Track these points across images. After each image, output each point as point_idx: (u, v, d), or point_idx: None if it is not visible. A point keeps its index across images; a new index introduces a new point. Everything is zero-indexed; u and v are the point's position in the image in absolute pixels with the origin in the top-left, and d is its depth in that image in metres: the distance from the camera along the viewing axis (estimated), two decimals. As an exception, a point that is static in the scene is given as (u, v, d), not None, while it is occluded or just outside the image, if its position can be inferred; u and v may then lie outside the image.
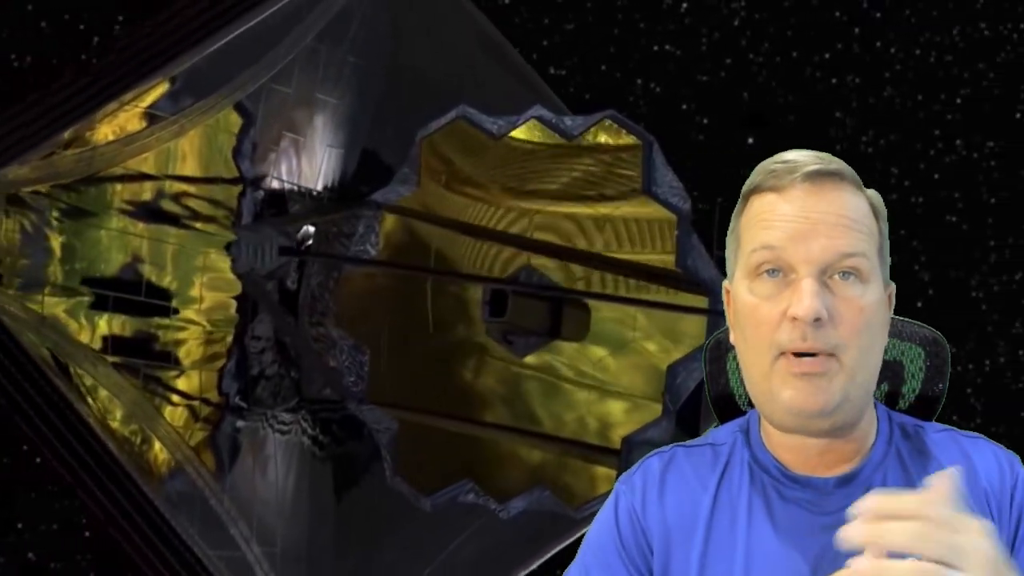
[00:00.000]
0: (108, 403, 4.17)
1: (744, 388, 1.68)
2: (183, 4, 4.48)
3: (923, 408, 1.70)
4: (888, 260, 1.50)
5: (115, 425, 4.18)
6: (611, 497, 1.63)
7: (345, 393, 4.86)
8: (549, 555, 5.47)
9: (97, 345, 4.15)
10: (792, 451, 1.51)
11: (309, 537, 5.04)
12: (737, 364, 1.67)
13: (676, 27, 6.28)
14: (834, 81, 6.49)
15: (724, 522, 1.53)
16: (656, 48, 6.15)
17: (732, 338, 1.54)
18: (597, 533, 1.62)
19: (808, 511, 1.49)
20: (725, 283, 1.54)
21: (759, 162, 1.48)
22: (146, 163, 4.36)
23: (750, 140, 6.11)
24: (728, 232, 1.53)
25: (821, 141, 5.30)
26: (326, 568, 5.08)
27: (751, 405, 1.67)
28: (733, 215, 1.53)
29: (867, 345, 1.44)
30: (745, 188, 1.49)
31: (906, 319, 1.68)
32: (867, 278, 1.43)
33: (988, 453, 1.53)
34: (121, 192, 4.26)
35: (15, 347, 3.81)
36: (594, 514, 1.67)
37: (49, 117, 3.92)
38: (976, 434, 1.58)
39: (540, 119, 4.85)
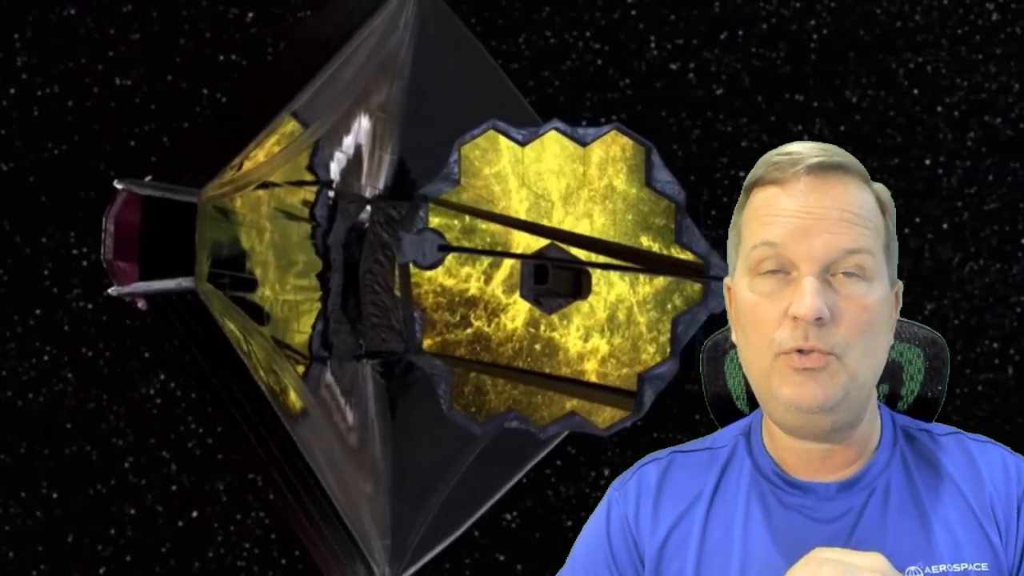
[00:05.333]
0: (260, 361, 5.38)
1: (741, 389, 1.70)
2: (302, 48, 5.66)
3: (922, 410, 1.67)
4: (895, 257, 1.43)
5: (263, 376, 5.40)
6: (603, 504, 1.59)
7: (408, 345, 6.08)
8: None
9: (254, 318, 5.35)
10: (795, 454, 1.47)
11: (384, 455, 6.28)
12: (735, 366, 1.68)
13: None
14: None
15: (719, 530, 1.49)
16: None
17: (734, 336, 1.50)
18: (587, 541, 1.58)
19: (809, 518, 1.45)
20: (727, 280, 1.50)
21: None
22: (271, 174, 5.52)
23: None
24: (730, 227, 1.49)
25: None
26: (394, 484, 6.34)
27: (748, 406, 1.70)
28: (735, 209, 1.47)
29: (870, 345, 1.38)
30: (747, 181, 1.44)
31: (904, 319, 1.62)
32: (871, 276, 1.37)
33: (995, 457, 1.48)
34: (261, 198, 5.42)
35: (212, 324, 5.02)
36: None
37: (229, 142, 5.08)
38: (984, 437, 1.53)
39: (558, 130, 5.90)
